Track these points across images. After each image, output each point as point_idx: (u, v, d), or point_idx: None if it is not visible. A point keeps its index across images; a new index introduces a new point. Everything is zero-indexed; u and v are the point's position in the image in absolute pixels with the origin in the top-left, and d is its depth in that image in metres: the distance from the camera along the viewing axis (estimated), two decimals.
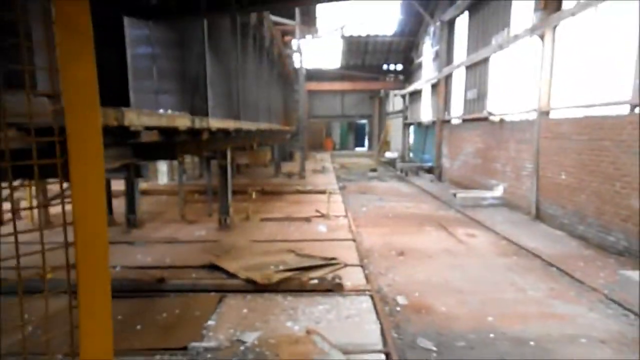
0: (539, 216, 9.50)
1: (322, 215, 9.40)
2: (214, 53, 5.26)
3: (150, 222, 8.81)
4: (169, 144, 4.72)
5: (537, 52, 9.66)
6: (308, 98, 28.05)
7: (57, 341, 2.07)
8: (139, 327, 4.23)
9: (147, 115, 3.07)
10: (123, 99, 3.90)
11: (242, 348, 3.76)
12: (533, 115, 9.78)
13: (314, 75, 27.61)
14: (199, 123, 4.53)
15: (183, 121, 3.99)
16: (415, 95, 23.59)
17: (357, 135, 41.30)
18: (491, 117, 12.21)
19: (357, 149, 40.16)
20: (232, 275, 5.42)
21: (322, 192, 11.65)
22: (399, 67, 28.03)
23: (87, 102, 1.37)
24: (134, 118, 2.78)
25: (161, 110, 4.26)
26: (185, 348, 3.71)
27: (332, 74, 28.61)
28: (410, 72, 26.32)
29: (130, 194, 7.99)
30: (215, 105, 5.17)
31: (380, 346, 3.79)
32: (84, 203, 1.50)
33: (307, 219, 9.07)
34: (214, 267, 5.84)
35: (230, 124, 6.06)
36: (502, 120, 11.64)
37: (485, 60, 13.19)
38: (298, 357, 3.55)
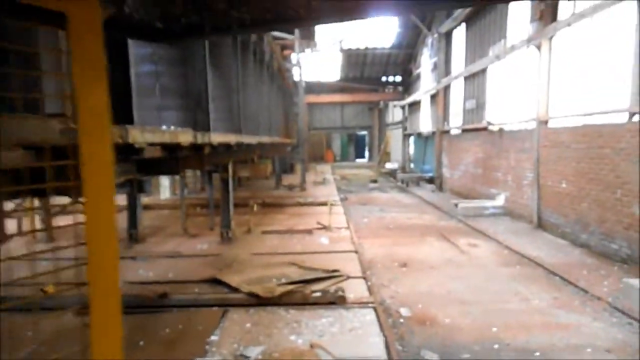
0: (541, 225, 9.50)
1: (324, 227, 9.40)
2: (215, 69, 5.33)
3: (152, 236, 8.81)
4: (172, 159, 4.75)
5: (534, 62, 9.75)
6: (308, 110, 28.19)
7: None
8: (141, 343, 4.21)
9: (150, 132, 3.11)
10: (127, 116, 3.94)
11: None
12: (532, 125, 9.84)
13: (314, 87, 27.80)
14: (201, 138, 4.58)
15: (186, 137, 4.03)
16: (415, 106, 23.72)
17: (357, 146, 41.44)
18: (490, 127, 12.27)
19: (358, 160, 40.26)
20: (235, 289, 5.41)
21: (324, 204, 11.66)
22: (398, 78, 28.26)
23: (100, 126, 1.45)
24: (137, 135, 2.82)
25: (164, 127, 4.31)
26: None
27: (331, 86, 28.82)
28: (409, 84, 26.52)
29: (132, 209, 8.01)
30: (217, 119, 5.23)
31: (384, 358, 3.78)
32: (97, 221, 1.53)
33: (309, 231, 9.07)
34: (216, 282, 5.82)
35: (231, 138, 6.10)
36: (501, 130, 11.70)
37: (483, 71, 13.30)
38: None
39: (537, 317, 4.99)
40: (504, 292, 5.79)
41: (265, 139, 10.14)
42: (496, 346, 4.30)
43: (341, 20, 3.44)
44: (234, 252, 7.48)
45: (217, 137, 4.93)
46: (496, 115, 12.41)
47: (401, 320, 4.97)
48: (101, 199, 1.51)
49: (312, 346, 3.96)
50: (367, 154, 40.26)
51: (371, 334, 4.31)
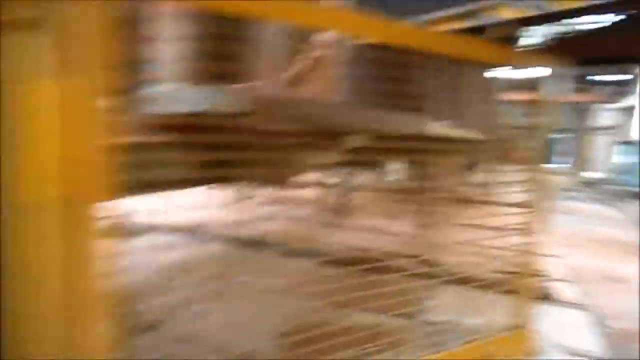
0: None
1: (517, 228, 9.35)
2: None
3: (360, 212, 10.00)
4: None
5: None
6: (502, 107, 26.92)
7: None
8: (368, 294, 5.18)
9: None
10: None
11: (460, 327, 4.39)
12: None
13: (512, 83, 26.32)
14: (452, 134, 5.37)
15: (451, 132, 4.98)
16: (628, 110, 20.74)
17: (553, 149, 37.72)
18: None
19: (552, 165, 36.72)
20: (437, 267, 6.05)
21: (514, 204, 11.43)
22: (612, 78, 24.77)
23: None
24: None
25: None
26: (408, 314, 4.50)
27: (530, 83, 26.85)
28: (624, 85, 23.15)
29: (344, 187, 9.31)
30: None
31: (599, 354, 4.00)
32: None
33: (502, 229, 9.14)
34: (416, 257, 6.54)
35: (461, 134, 6.73)
36: None
37: None
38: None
39: None
40: None
41: (474, 136, 10.49)
42: None
43: None
44: (431, 237, 8.12)
45: (455, 132, 5.71)
46: None
47: (608, 330, 4.98)
48: None
49: (523, 328, 4.38)
50: (563, 159, 36.39)
51: (580, 332, 4.51)
